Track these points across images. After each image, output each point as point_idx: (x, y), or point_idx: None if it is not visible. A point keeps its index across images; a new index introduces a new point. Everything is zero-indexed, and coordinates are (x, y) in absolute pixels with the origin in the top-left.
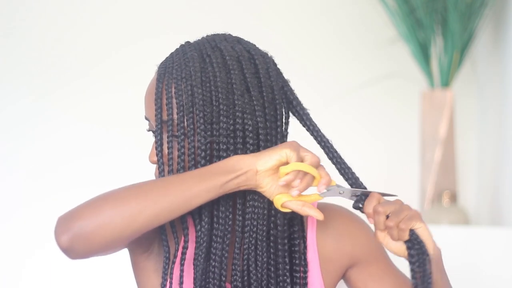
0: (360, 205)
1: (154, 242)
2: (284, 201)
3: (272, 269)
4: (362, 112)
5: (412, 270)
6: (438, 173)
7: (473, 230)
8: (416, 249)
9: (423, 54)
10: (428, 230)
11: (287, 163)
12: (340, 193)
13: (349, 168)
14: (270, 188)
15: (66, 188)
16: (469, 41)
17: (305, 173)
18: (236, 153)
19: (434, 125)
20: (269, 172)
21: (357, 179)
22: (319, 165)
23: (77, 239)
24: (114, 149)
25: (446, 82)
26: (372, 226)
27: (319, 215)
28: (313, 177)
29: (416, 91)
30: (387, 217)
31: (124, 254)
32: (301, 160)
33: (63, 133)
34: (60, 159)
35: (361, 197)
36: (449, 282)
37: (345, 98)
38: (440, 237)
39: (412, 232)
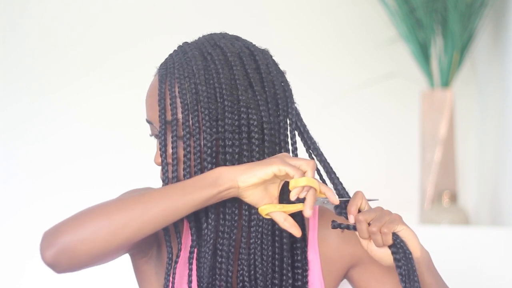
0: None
1: (153, 246)
2: (268, 212)
3: (277, 263)
4: (362, 112)
5: (399, 274)
6: (438, 173)
7: (473, 230)
8: (400, 252)
9: (423, 54)
10: (412, 231)
11: (276, 177)
12: (324, 203)
13: (334, 173)
14: (253, 199)
15: (66, 189)
16: (469, 41)
17: (310, 187)
18: (241, 149)
19: (434, 125)
20: (251, 187)
21: (338, 184)
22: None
23: (62, 254)
24: (114, 149)
25: (446, 82)
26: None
27: (297, 232)
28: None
29: (416, 91)
30: (369, 225)
31: (125, 257)
32: (298, 169)
33: (63, 134)
34: (60, 160)
35: (342, 205)
36: (445, 283)
37: (345, 98)
38: (440, 237)
39: (395, 236)
